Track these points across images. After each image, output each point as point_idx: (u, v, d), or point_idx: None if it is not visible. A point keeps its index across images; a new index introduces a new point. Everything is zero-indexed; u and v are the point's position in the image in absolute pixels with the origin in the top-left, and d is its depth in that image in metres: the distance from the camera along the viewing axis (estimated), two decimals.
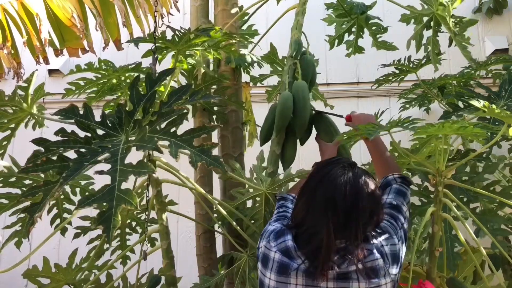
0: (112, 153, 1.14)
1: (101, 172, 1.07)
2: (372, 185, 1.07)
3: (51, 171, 1.17)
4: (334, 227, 0.99)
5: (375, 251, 1.01)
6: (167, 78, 1.36)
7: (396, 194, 1.21)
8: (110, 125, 1.26)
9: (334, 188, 1.02)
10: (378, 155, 1.40)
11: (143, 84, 1.33)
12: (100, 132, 1.26)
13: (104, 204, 1.04)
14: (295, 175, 1.49)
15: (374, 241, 1.04)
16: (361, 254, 0.99)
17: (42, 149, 1.16)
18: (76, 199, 1.92)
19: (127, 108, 1.29)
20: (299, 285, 1.01)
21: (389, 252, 1.03)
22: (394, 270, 1.03)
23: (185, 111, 1.24)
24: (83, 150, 1.16)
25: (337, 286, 0.99)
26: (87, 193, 1.95)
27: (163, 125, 1.24)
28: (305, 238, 1.04)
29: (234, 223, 1.57)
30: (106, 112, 1.59)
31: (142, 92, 1.30)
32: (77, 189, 1.96)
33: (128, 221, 1.96)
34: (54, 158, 1.14)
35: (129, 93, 1.30)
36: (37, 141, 1.18)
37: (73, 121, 1.26)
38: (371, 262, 1.00)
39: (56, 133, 1.21)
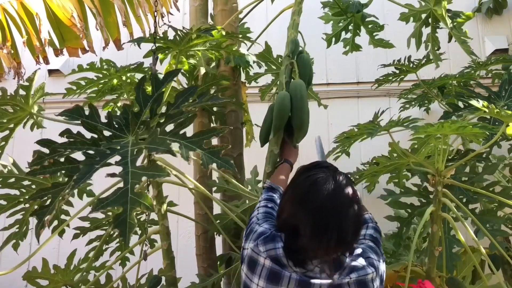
0: (121, 155, 1.13)
1: (113, 175, 1.06)
2: (354, 189, 1.07)
3: (57, 173, 1.16)
4: (323, 235, 0.98)
5: (367, 265, 1.02)
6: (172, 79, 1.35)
7: (374, 230, 1.22)
8: (116, 126, 1.25)
9: (317, 194, 1.01)
10: None
11: (148, 84, 1.32)
12: (106, 133, 1.25)
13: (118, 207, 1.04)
14: None
15: (369, 255, 1.06)
16: (355, 267, 1.00)
17: (46, 151, 1.14)
18: (74, 200, 1.92)
19: (133, 109, 1.28)
20: None
21: (378, 268, 1.05)
22: (380, 286, 1.05)
23: (193, 113, 1.24)
24: (91, 151, 1.15)
25: None
26: (85, 195, 1.94)
27: (170, 127, 1.24)
28: (294, 247, 1.02)
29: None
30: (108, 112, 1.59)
31: (148, 93, 1.29)
32: (75, 191, 1.96)
33: None
34: (62, 160, 1.13)
35: (135, 93, 1.29)
36: (43, 142, 1.16)
37: (75, 121, 1.25)
38: (364, 276, 1.00)
39: (61, 134, 1.20)
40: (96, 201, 1.06)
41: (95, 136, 1.22)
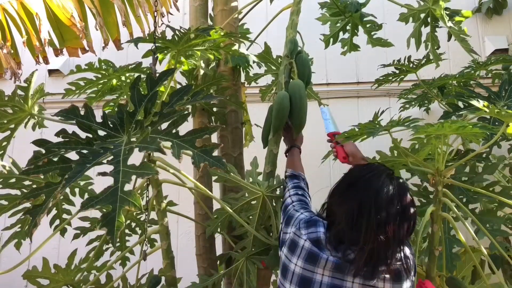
0: (114, 154, 1.13)
1: (104, 174, 1.07)
2: (410, 196, 1.14)
3: (50, 172, 1.16)
4: (370, 230, 1.03)
5: (403, 257, 1.07)
6: (168, 78, 1.35)
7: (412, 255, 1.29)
8: (111, 126, 1.26)
9: (377, 194, 1.07)
10: None
11: (143, 84, 1.32)
12: (101, 133, 1.25)
13: (108, 205, 1.04)
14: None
15: (404, 248, 1.09)
16: (392, 257, 1.05)
17: (43, 150, 1.15)
18: (75, 199, 1.91)
19: (128, 109, 1.28)
20: (326, 276, 1.06)
21: (412, 259, 1.10)
22: (413, 277, 1.10)
23: (187, 111, 1.24)
24: (84, 151, 1.16)
25: (364, 283, 1.04)
26: (86, 194, 1.95)
27: (164, 126, 1.24)
28: (339, 236, 1.07)
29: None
30: (106, 112, 1.58)
31: (143, 93, 1.30)
32: (76, 190, 1.95)
33: (128, 222, 1.96)
34: (56, 159, 1.13)
35: (130, 93, 1.29)
36: (38, 142, 1.17)
37: (73, 121, 1.25)
38: (399, 265, 1.06)
39: (57, 134, 1.20)
40: (85, 199, 1.05)
41: (90, 136, 1.23)
